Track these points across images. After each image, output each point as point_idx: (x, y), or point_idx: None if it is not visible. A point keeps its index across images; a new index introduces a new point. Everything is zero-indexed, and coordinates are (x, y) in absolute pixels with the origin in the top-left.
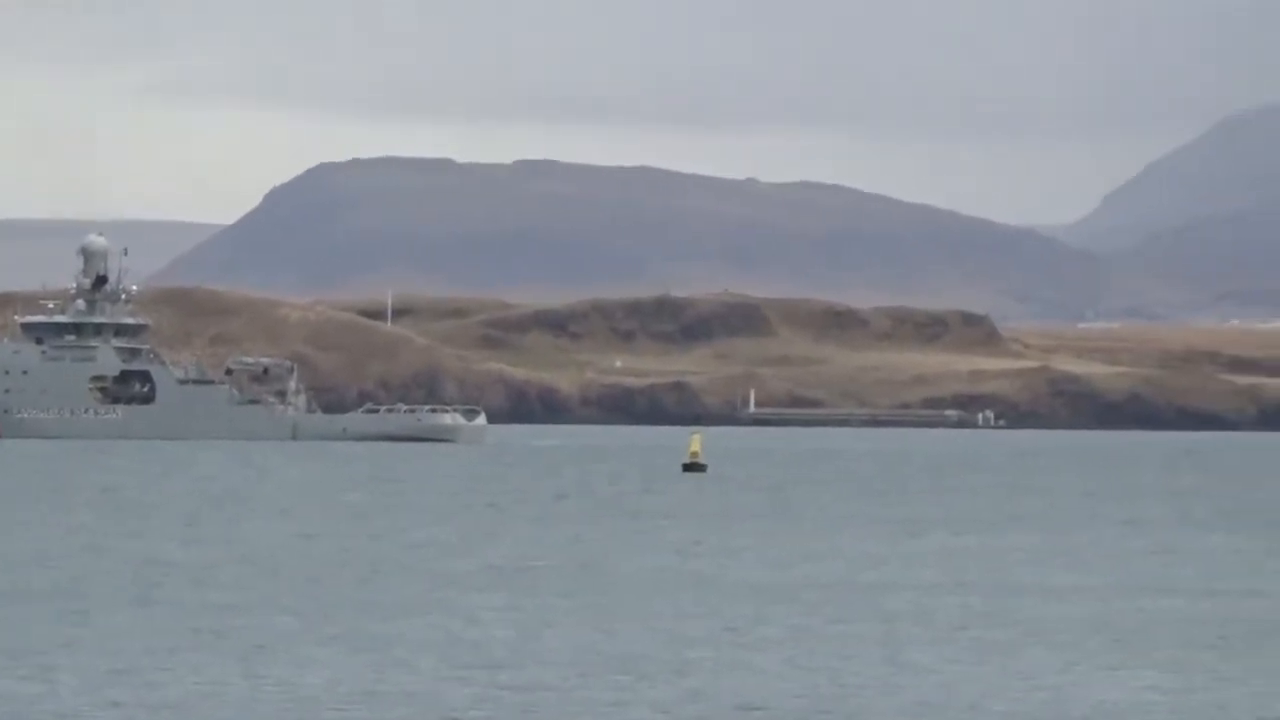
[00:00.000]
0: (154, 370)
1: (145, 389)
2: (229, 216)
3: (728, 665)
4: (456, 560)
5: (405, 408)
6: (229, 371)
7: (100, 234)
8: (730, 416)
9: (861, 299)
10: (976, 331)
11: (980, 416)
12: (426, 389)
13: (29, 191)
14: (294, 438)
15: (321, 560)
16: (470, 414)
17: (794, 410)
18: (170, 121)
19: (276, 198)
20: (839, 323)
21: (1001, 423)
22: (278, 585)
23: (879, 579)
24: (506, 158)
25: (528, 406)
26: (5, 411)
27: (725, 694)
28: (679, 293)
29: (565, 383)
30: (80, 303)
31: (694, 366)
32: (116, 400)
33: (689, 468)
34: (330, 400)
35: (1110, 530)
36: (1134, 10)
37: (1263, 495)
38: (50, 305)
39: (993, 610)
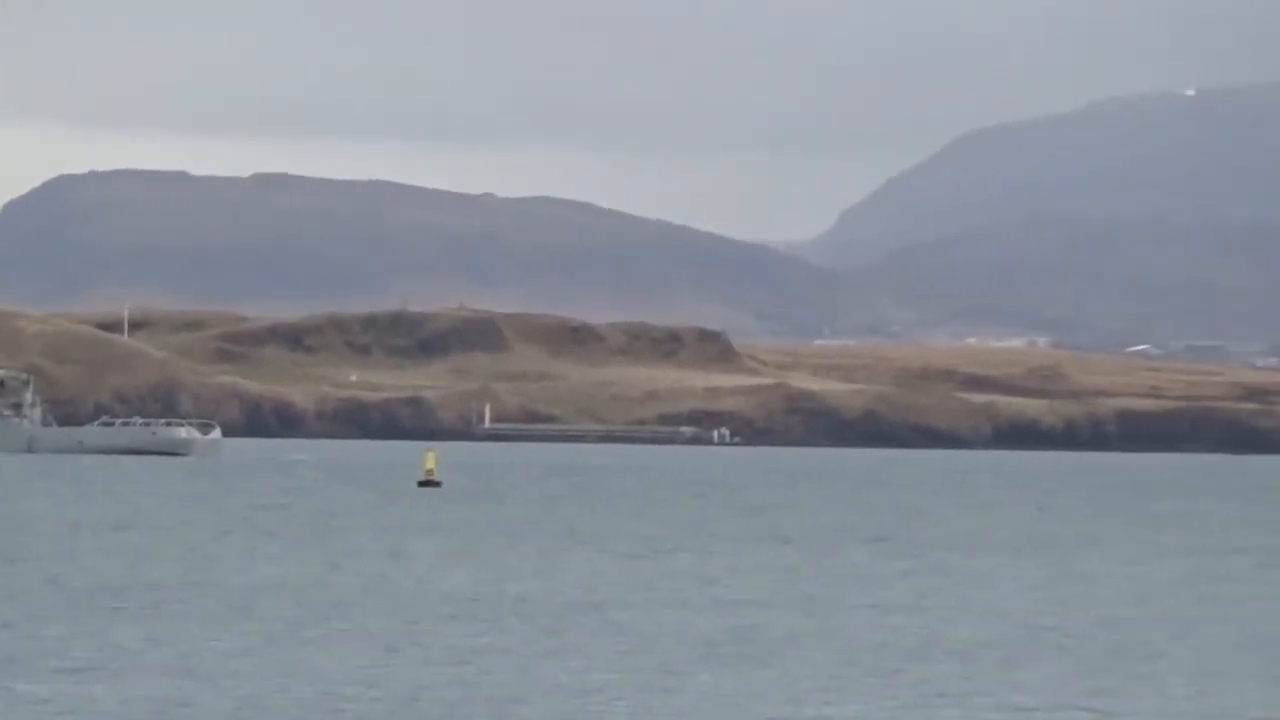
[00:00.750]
0: None
1: None
2: None
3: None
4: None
5: (141, 421)
6: None
7: None
8: (466, 432)
9: (598, 315)
10: (712, 348)
11: (715, 433)
12: (163, 402)
13: None
14: (30, 450)
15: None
16: (205, 428)
17: (530, 426)
18: None
19: (13, 210)
20: (575, 338)
21: (737, 439)
22: None
23: (577, 596)
24: (243, 171)
25: (263, 421)
26: None
27: None
28: (415, 307)
29: (300, 397)
30: None
31: (430, 381)
32: None
33: (424, 484)
34: (67, 413)
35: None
36: (858, 30)
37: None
38: None
39: (648, 629)
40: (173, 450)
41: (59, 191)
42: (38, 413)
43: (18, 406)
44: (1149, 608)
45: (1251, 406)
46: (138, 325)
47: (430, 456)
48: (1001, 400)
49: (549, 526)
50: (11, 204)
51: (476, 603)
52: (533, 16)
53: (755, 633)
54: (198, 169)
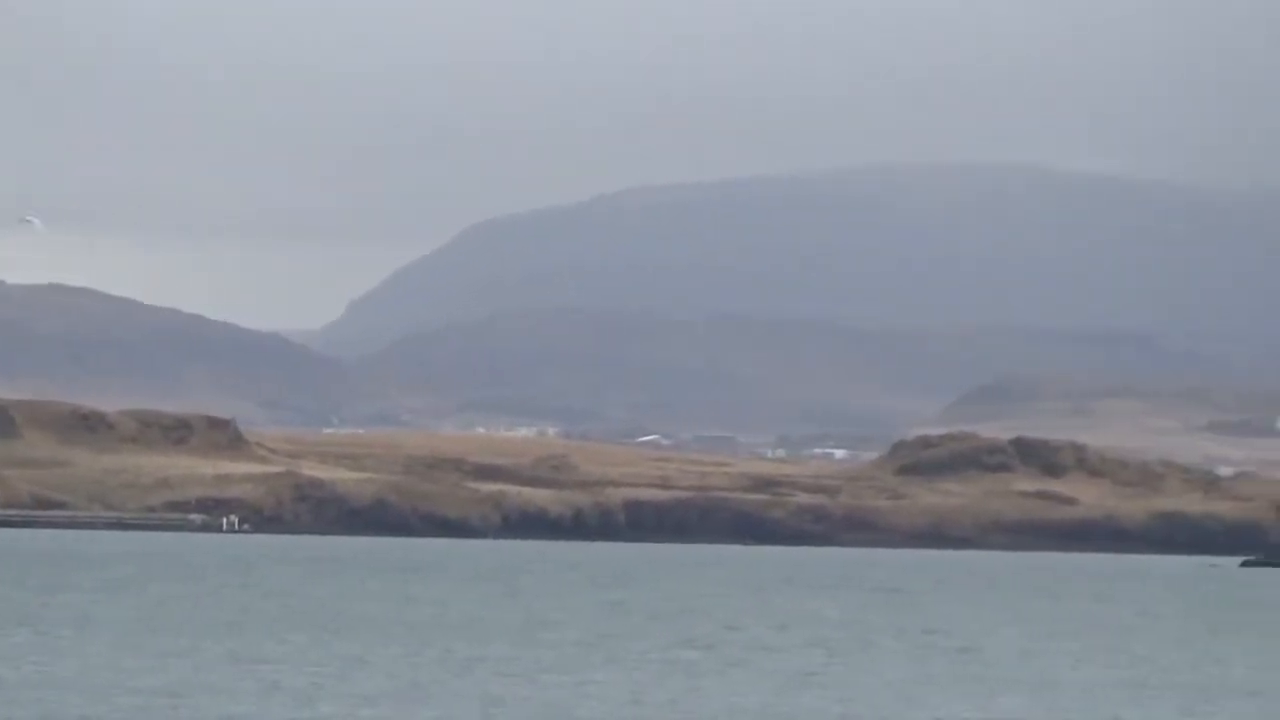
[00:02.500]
0: None
1: None
2: None
3: None
4: None
5: None
6: None
7: None
8: None
9: (109, 402)
10: (221, 435)
11: (224, 520)
12: None
13: None
14: None
15: None
16: None
17: (39, 512)
18: None
19: None
20: (86, 425)
21: (246, 527)
22: None
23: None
24: None
25: None
26: None
27: None
28: None
29: None
30: None
31: None
32: None
33: None
34: None
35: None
36: (372, 119)
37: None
38: None
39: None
40: None
41: None
42: None
43: None
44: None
45: (761, 497)
46: None
47: None
48: (511, 489)
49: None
50: None
51: None
52: (38, 98)
53: None
54: None
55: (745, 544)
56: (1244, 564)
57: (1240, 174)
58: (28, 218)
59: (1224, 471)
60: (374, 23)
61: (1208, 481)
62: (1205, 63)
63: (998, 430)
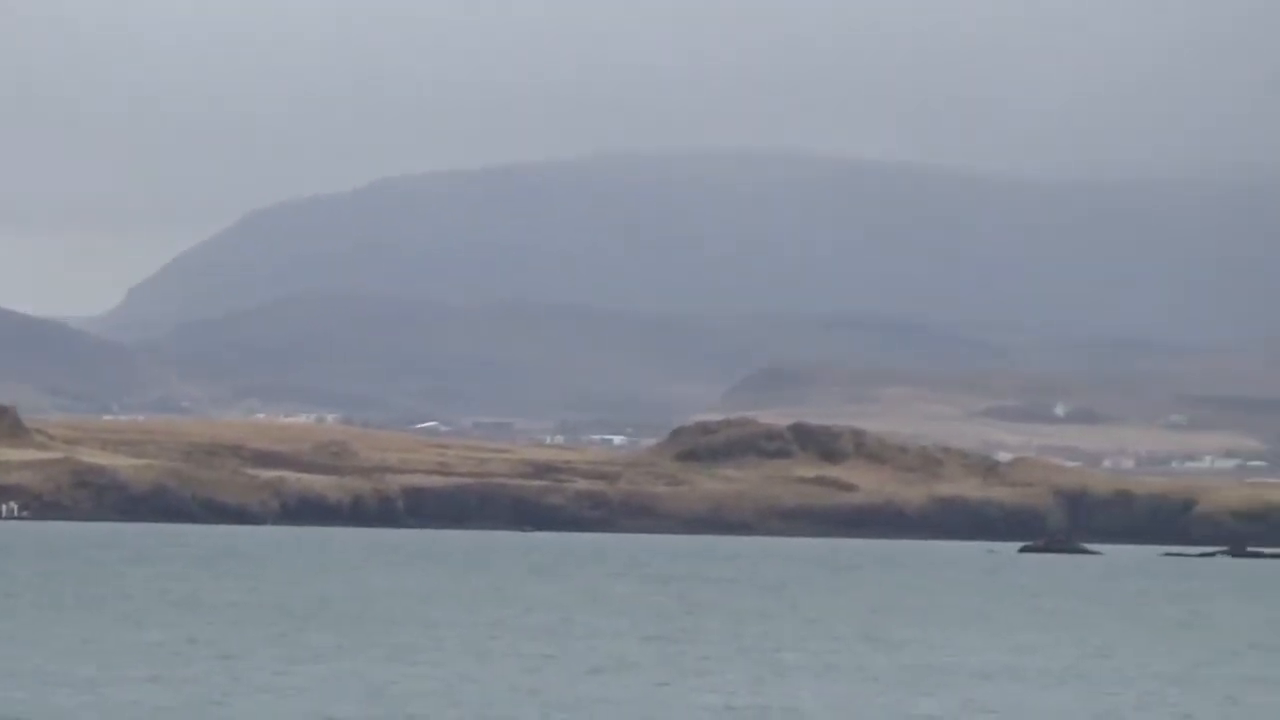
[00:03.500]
0: None
1: None
2: None
3: None
4: None
5: None
6: None
7: None
8: None
9: None
10: (1, 423)
11: (4, 507)
12: None
13: None
14: None
15: None
16: None
17: None
18: None
19: None
20: None
21: (25, 514)
22: None
23: None
24: None
25: None
26: None
27: None
28: None
29: None
30: None
31: None
32: None
33: None
34: None
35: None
36: (159, 106)
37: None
38: None
39: None
40: None
41: None
42: None
43: None
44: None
45: (540, 483)
46: None
47: None
48: (290, 476)
49: None
50: None
51: None
52: None
53: None
54: None
55: (524, 530)
56: (1023, 549)
57: (1016, 161)
58: None
59: (1003, 457)
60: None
61: (986, 467)
62: (985, 52)
63: (776, 416)
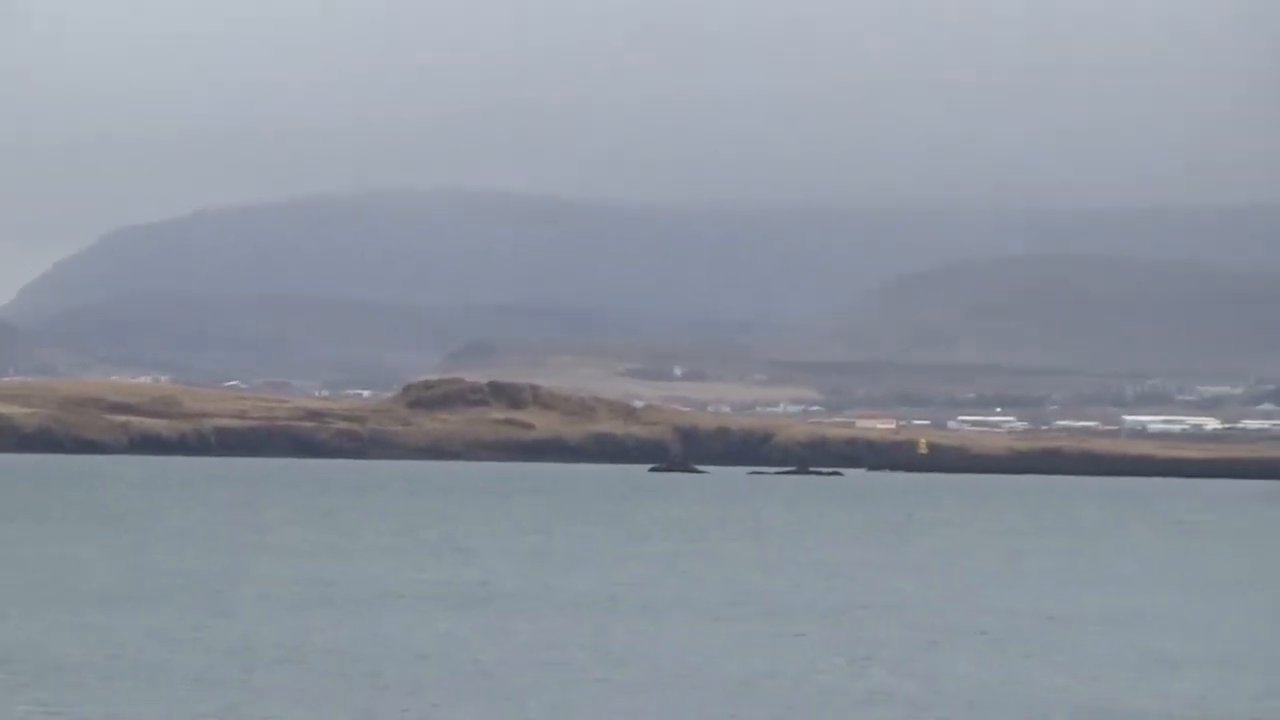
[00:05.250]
0: None
1: None
2: None
3: None
4: None
5: None
6: None
7: None
8: None
9: None
10: None
11: None
12: None
13: None
14: None
15: None
16: None
17: None
18: None
19: None
20: None
21: None
22: None
23: None
24: None
25: None
26: None
27: None
28: None
29: None
30: None
31: None
32: None
33: None
34: None
35: None
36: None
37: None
38: None
39: None
40: None
41: None
42: None
43: None
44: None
45: (311, 424)
46: None
47: None
48: (135, 419)
49: None
50: None
51: None
52: None
53: None
54: None
55: (299, 459)
56: (651, 469)
57: (656, 193)
58: None
59: (638, 404)
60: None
61: (627, 412)
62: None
63: (478, 377)
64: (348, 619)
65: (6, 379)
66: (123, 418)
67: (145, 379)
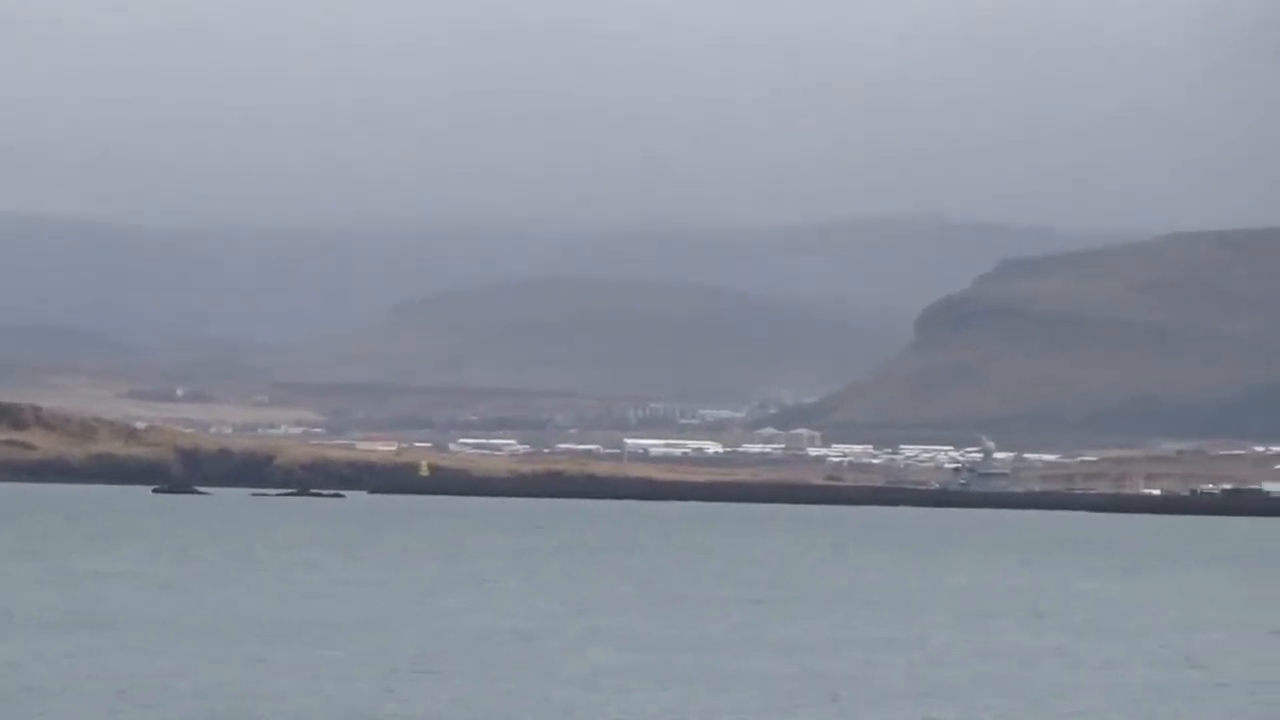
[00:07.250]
0: None
1: None
2: None
3: None
4: None
5: None
6: None
7: None
8: None
9: None
10: None
11: None
12: None
13: None
14: None
15: None
16: None
17: None
18: None
19: None
20: None
21: None
22: None
23: None
24: None
25: None
26: None
27: None
28: None
29: None
30: None
31: None
32: None
33: None
34: None
35: None
36: None
37: None
38: None
39: None
40: None
41: None
42: None
43: None
44: None
45: None
46: None
47: None
48: None
49: None
50: None
51: None
52: None
53: None
54: None
55: None
56: (155, 490)
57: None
58: None
59: (139, 425)
60: None
61: (129, 433)
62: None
63: None
64: None
65: None
66: None
67: None
